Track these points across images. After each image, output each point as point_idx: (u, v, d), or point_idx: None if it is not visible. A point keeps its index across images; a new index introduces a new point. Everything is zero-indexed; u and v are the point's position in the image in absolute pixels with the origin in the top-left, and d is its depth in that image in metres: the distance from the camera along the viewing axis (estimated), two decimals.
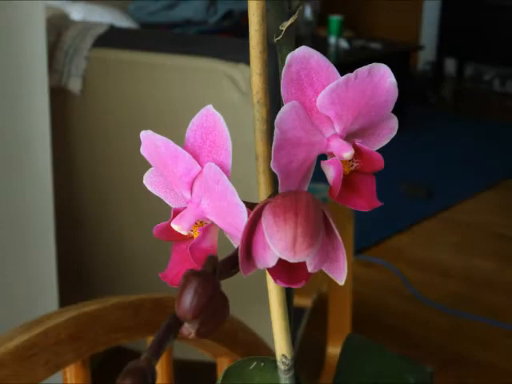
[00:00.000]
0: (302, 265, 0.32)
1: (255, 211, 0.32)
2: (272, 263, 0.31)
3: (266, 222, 0.31)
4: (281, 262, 0.31)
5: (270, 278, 0.38)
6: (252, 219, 0.32)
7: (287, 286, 0.32)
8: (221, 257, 0.33)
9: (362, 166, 0.36)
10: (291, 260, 0.30)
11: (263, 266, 0.32)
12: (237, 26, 3.54)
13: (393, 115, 0.37)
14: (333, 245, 0.33)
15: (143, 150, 0.36)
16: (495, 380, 1.86)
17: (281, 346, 0.40)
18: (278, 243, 0.30)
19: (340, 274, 0.33)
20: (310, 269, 0.31)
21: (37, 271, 1.23)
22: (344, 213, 1.59)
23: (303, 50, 0.34)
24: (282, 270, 0.32)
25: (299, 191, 0.33)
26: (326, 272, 0.34)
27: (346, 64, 3.44)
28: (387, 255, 2.48)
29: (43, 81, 1.16)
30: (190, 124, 0.35)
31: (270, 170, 0.35)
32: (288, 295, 0.40)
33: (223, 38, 2.67)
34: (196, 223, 0.35)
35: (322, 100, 0.34)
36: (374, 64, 0.35)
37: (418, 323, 2.11)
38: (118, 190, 1.47)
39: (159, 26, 3.43)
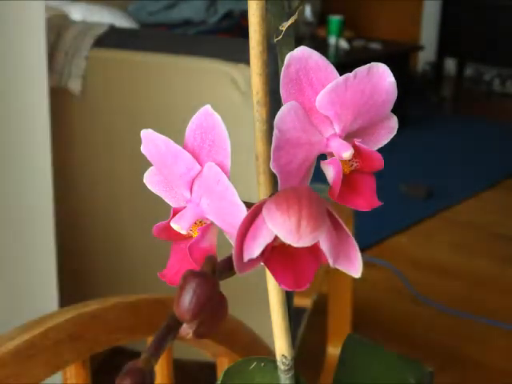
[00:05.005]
0: (305, 266, 0.31)
1: (253, 209, 0.31)
2: (257, 252, 0.30)
3: (268, 210, 0.30)
4: (283, 263, 0.31)
5: (270, 278, 0.38)
6: (249, 217, 0.31)
7: (291, 289, 0.31)
8: (220, 257, 0.33)
9: (362, 166, 0.36)
10: (296, 244, 0.28)
11: (249, 256, 0.30)
12: (237, 25, 3.53)
13: (392, 115, 0.37)
14: (341, 239, 0.32)
15: (144, 149, 0.36)
16: (495, 380, 1.85)
17: (281, 346, 0.40)
18: (281, 227, 0.29)
19: (354, 267, 0.32)
20: (331, 262, 0.30)
21: (37, 271, 1.23)
22: (344, 213, 1.58)
23: (302, 50, 0.34)
24: (286, 272, 0.31)
25: (300, 187, 0.32)
26: (340, 268, 0.32)
27: (345, 64, 3.44)
28: (387, 255, 2.48)
29: (43, 81, 1.16)
30: (190, 123, 0.35)
31: (270, 170, 0.35)
32: (288, 295, 0.40)
33: (223, 38, 2.67)
34: (195, 223, 0.35)
35: (321, 100, 0.34)
36: (373, 63, 0.35)
37: (418, 323, 2.11)
38: (119, 189, 1.47)
39: (159, 26, 3.43)
